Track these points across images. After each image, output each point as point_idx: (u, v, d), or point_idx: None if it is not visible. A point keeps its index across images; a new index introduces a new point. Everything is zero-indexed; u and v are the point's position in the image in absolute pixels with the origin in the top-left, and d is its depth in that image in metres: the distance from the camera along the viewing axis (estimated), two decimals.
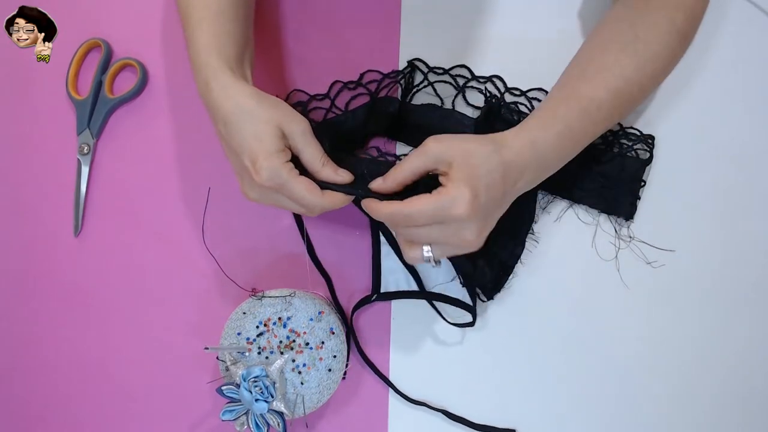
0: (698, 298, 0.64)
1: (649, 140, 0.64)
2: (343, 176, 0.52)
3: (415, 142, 0.65)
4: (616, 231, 0.64)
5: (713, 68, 0.66)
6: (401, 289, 0.64)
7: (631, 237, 0.64)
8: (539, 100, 0.65)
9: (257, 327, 0.60)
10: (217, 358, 0.61)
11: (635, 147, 0.64)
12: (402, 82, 0.66)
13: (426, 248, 0.50)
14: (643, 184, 0.64)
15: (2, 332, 0.67)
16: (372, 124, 0.64)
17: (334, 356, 0.60)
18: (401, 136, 0.66)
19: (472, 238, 0.49)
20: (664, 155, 0.65)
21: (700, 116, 0.65)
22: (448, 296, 0.63)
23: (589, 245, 0.64)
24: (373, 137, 0.66)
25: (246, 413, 0.58)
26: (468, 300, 0.63)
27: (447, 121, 0.65)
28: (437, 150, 0.49)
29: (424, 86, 0.66)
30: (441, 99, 0.66)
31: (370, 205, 0.51)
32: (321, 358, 0.60)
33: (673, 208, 0.64)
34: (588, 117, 0.53)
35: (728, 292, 0.64)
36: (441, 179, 0.49)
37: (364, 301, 0.63)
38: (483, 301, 0.63)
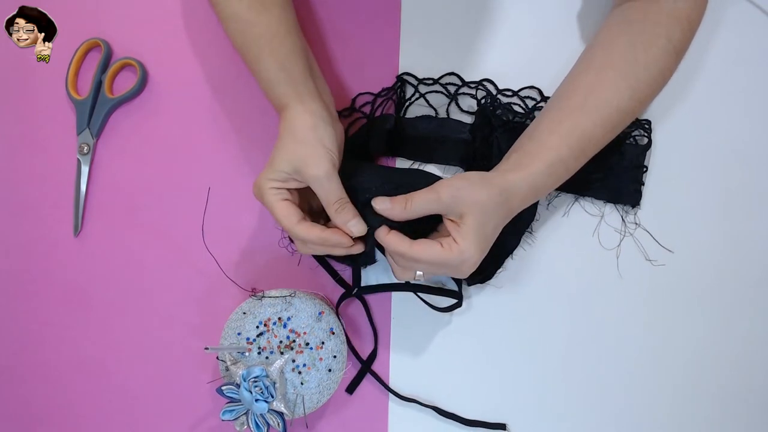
0: (697, 296, 0.64)
1: (645, 125, 0.64)
2: (357, 227, 0.54)
3: (414, 155, 0.65)
4: (622, 219, 0.64)
5: (713, 68, 0.66)
6: (381, 282, 0.64)
7: (637, 224, 0.64)
8: (533, 99, 0.65)
9: (257, 327, 0.60)
10: (217, 358, 0.61)
11: (633, 134, 0.64)
12: (394, 97, 0.65)
13: (419, 273, 0.54)
14: (645, 169, 0.64)
15: (2, 332, 0.67)
16: (372, 143, 0.64)
17: (334, 356, 0.60)
18: (400, 151, 0.65)
19: (466, 276, 0.54)
20: (664, 155, 0.65)
21: (700, 116, 0.65)
22: (430, 286, 0.63)
23: (593, 242, 0.64)
24: (375, 156, 0.66)
25: (246, 413, 0.58)
26: (449, 286, 0.63)
27: (443, 130, 0.65)
28: (450, 200, 0.51)
29: (416, 98, 0.66)
30: (435, 109, 0.66)
31: (380, 233, 0.54)
32: (321, 359, 0.60)
33: (673, 209, 0.64)
34: (584, 155, 0.56)
35: (728, 291, 0.64)
36: (450, 227, 0.52)
37: (345, 296, 0.63)
38: (467, 285, 0.64)
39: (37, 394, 0.66)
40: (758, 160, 0.65)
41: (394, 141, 0.65)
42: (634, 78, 0.56)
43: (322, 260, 0.64)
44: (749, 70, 0.66)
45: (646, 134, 0.64)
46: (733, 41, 0.66)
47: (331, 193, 0.53)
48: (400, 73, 0.66)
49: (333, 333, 0.60)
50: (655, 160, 0.64)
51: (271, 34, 0.57)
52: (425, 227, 0.56)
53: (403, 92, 0.66)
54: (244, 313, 0.61)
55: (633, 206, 0.64)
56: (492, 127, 0.63)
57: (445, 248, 0.51)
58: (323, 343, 0.60)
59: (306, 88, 0.56)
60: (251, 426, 0.58)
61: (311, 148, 0.53)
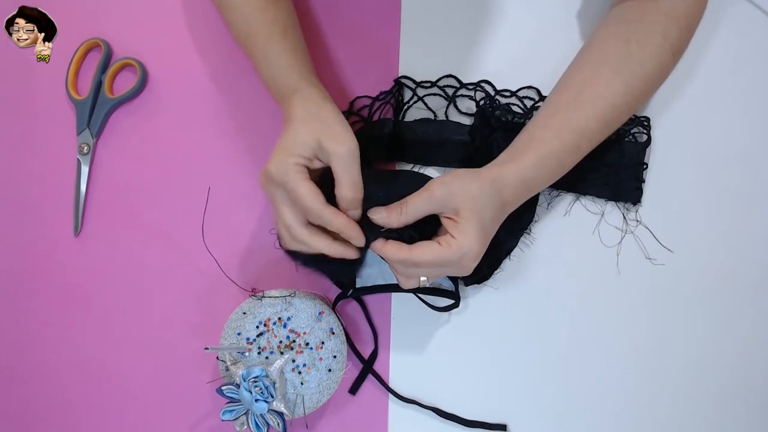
0: (698, 296, 0.64)
1: (644, 122, 0.64)
2: (355, 215, 0.53)
3: (414, 158, 0.65)
4: (623, 216, 0.64)
5: (713, 67, 0.66)
6: (375, 283, 0.63)
7: (638, 221, 0.64)
8: (531, 99, 0.65)
9: (257, 327, 0.60)
10: (217, 358, 0.61)
11: (632, 131, 0.64)
12: (392, 101, 0.65)
13: (423, 279, 0.53)
14: (645, 166, 0.64)
15: (2, 332, 0.67)
16: (370, 148, 0.64)
17: (334, 356, 0.60)
18: (400, 155, 0.65)
19: (470, 272, 0.53)
20: (664, 153, 0.65)
21: (699, 116, 0.65)
22: (426, 287, 0.62)
23: (593, 240, 0.64)
24: (372, 161, 0.65)
25: (246, 413, 0.58)
26: (446, 285, 0.63)
27: (442, 132, 0.65)
28: (443, 196, 0.51)
29: (415, 102, 0.66)
30: (433, 112, 0.66)
31: (377, 245, 0.53)
32: (321, 358, 0.60)
33: (673, 206, 0.64)
34: (577, 150, 0.56)
35: (728, 291, 0.64)
36: (447, 224, 0.51)
37: (341, 297, 0.63)
38: (464, 286, 0.63)
39: (37, 394, 0.66)
40: (757, 159, 0.65)
41: (393, 145, 0.65)
42: (628, 74, 0.55)
43: (317, 262, 0.63)
44: (749, 70, 0.66)
45: (645, 131, 0.64)
46: (733, 41, 0.66)
47: (354, 174, 0.51)
48: (399, 75, 0.66)
49: (333, 333, 0.60)
50: (653, 158, 0.64)
51: (283, 21, 0.58)
52: (423, 236, 0.55)
53: (401, 96, 0.66)
54: (244, 313, 0.61)
55: (634, 203, 0.64)
56: (491, 128, 0.63)
57: (443, 246, 0.51)
58: (323, 343, 0.60)
59: (314, 77, 0.57)
60: (251, 426, 0.58)
61: (333, 124, 0.52)
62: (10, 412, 0.66)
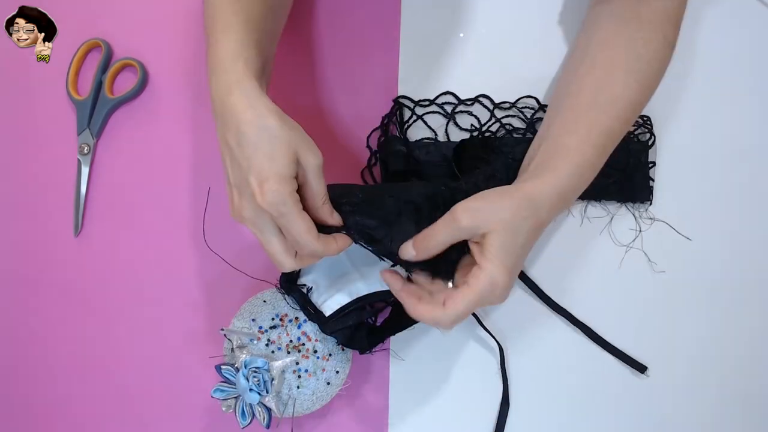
0: (704, 297, 0.64)
1: (647, 122, 0.64)
2: (336, 220, 0.51)
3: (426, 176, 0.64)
4: (635, 217, 0.64)
5: (713, 62, 0.66)
6: (360, 294, 0.59)
7: (652, 219, 0.64)
8: (531, 108, 0.65)
9: (272, 319, 0.60)
10: (225, 336, 0.60)
11: (635, 132, 0.64)
12: (396, 120, 0.65)
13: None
14: (652, 165, 0.64)
15: (2, 332, 0.67)
16: (389, 163, 0.63)
17: (337, 372, 0.59)
18: (413, 173, 0.64)
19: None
20: (667, 154, 0.65)
21: (701, 113, 0.65)
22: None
23: (602, 243, 0.64)
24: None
25: (236, 398, 0.58)
26: None
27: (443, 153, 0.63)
28: (470, 224, 0.48)
29: (414, 121, 0.65)
30: (434, 130, 0.65)
31: (409, 308, 0.50)
32: (324, 369, 0.59)
33: (676, 208, 0.64)
34: (605, 152, 0.55)
35: (734, 291, 0.64)
36: (474, 250, 0.49)
37: (364, 349, 0.60)
38: None
39: (37, 394, 0.66)
40: (763, 156, 0.65)
41: (409, 161, 0.64)
42: (639, 73, 0.55)
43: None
44: (752, 63, 0.66)
45: (647, 130, 0.64)
46: (734, 33, 0.66)
47: (323, 182, 0.49)
48: (398, 95, 0.66)
49: (342, 349, 0.60)
50: (658, 156, 0.65)
51: (247, 13, 0.51)
52: (445, 259, 0.52)
53: (402, 116, 0.66)
54: (264, 301, 0.60)
55: (643, 202, 0.64)
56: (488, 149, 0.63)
57: (471, 286, 0.48)
58: (331, 355, 0.59)
59: (263, 82, 0.52)
60: (237, 412, 0.58)
61: (301, 133, 0.48)
62: (10, 412, 0.66)
